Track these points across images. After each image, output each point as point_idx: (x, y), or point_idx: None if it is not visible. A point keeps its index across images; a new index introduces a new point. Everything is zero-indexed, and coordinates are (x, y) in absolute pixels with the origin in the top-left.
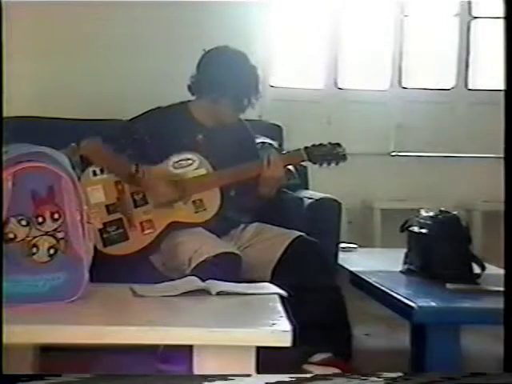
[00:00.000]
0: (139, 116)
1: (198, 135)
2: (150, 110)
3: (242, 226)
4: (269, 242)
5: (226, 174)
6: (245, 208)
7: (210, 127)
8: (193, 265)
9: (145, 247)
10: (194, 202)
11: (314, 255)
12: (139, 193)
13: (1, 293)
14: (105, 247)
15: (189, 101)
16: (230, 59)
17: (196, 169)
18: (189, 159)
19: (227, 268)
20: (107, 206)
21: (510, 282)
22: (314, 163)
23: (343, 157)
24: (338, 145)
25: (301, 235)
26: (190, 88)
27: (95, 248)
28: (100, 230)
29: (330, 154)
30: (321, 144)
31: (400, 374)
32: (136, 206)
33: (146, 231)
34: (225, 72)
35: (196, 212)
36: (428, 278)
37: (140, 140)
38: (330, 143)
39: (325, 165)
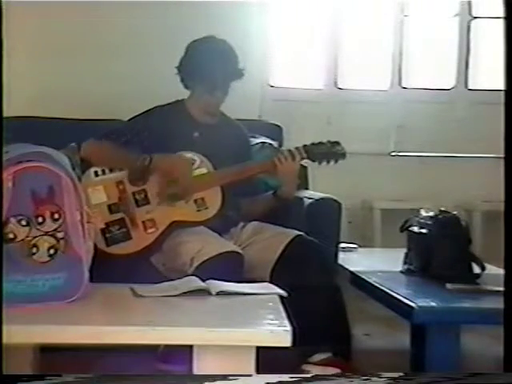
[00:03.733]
0: (138, 116)
1: (195, 133)
2: (148, 110)
3: (241, 224)
4: (267, 241)
5: (227, 173)
6: (247, 209)
7: (206, 124)
8: (195, 264)
9: (148, 246)
10: (195, 200)
11: (312, 254)
12: (141, 192)
13: (1, 293)
14: (108, 247)
15: (184, 98)
16: (203, 46)
17: (197, 168)
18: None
19: (230, 267)
20: (109, 206)
21: (510, 281)
22: (314, 161)
23: (342, 155)
24: (337, 143)
25: (300, 234)
26: (182, 80)
27: (97, 248)
28: (103, 229)
29: (329, 152)
30: (320, 142)
31: (400, 374)
32: (138, 206)
33: (149, 230)
34: (202, 58)
35: (198, 210)
36: (428, 278)
37: (140, 139)
38: (329, 141)
39: (324, 163)
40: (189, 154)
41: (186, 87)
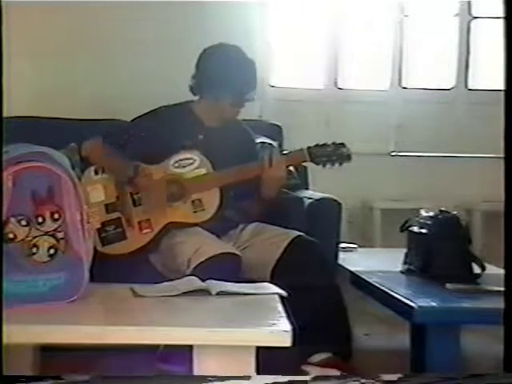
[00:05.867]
0: (143, 115)
1: (200, 135)
2: (154, 109)
3: (241, 226)
4: (268, 242)
5: (226, 174)
6: (245, 211)
7: (212, 127)
8: (192, 265)
9: (142, 247)
10: (193, 201)
11: (313, 255)
12: (138, 192)
13: (1, 293)
14: (103, 246)
15: (192, 101)
16: (226, 55)
17: (196, 168)
18: (189, 158)
19: (227, 268)
20: (106, 205)
21: (510, 281)
22: (317, 164)
23: (347, 157)
24: (342, 145)
25: (300, 235)
26: (191, 88)
27: (94, 248)
28: (98, 229)
29: (333, 154)
30: (324, 144)
31: (399, 376)
32: (135, 205)
33: (144, 230)
34: (223, 68)
35: (194, 212)
36: (428, 278)
37: (141, 138)
38: (333, 143)
39: (328, 166)
40: (189, 154)
41: (196, 93)
